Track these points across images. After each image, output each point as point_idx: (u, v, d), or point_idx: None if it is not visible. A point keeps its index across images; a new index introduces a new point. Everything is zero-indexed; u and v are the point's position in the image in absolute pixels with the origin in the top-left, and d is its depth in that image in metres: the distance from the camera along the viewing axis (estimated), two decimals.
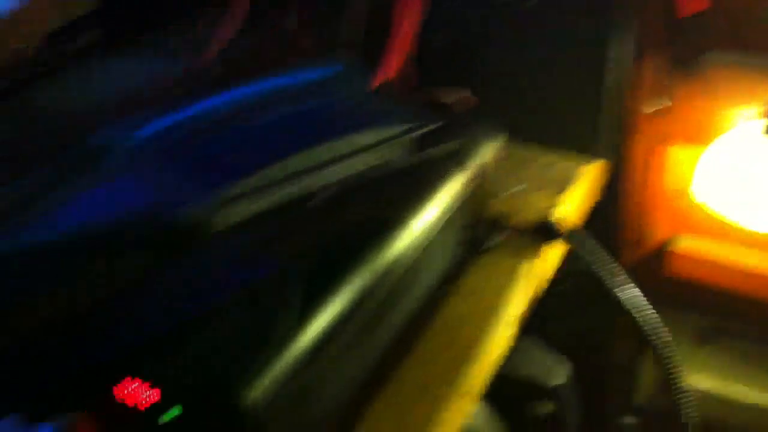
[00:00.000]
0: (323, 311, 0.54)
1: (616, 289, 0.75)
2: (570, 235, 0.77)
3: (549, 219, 0.78)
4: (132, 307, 0.52)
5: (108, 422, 0.51)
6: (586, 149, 0.90)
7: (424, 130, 0.66)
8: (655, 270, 1.01)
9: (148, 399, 0.50)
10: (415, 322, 0.66)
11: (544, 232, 0.77)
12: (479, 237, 0.76)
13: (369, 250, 0.59)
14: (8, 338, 0.49)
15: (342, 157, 0.61)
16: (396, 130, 0.64)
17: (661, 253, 1.01)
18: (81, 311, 0.50)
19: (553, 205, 0.82)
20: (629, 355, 1.05)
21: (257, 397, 0.47)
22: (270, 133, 0.64)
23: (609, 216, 0.98)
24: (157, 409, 0.50)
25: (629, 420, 1.06)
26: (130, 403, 0.51)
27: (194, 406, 0.48)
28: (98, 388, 0.51)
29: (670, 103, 0.98)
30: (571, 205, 0.84)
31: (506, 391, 0.79)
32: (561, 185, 0.85)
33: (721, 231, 0.99)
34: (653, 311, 0.76)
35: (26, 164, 0.62)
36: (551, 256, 0.80)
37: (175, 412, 0.50)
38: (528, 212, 0.81)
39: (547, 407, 0.84)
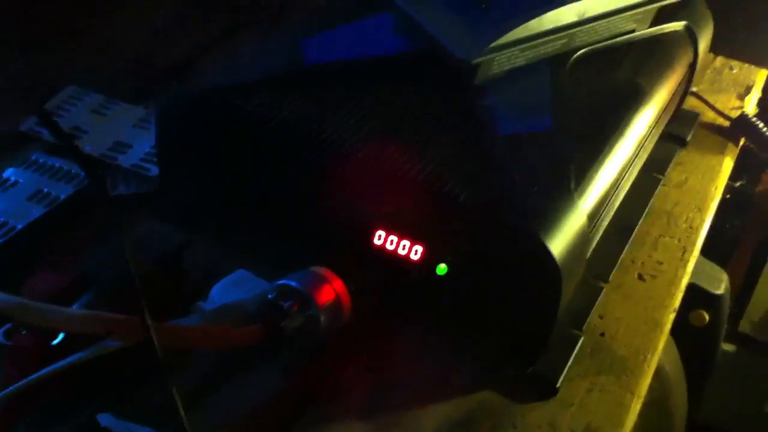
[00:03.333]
0: (595, 172, 0.51)
1: None
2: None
3: (746, 113, 0.75)
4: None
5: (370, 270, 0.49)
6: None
7: (667, 2, 0.62)
8: None
9: (416, 252, 0.48)
10: (634, 204, 0.64)
11: (741, 125, 0.73)
12: (678, 129, 0.72)
13: (627, 115, 0.56)
14: None
15: (601, 17, 0.57)
16: None
17: None
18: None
19: (738, 107, 0.79)
20: None
21: (559, 246, 0.45)
22: None
23: None
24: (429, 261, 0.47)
25: None
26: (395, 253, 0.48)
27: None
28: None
29: None
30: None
31: None
32: (741, 89, 0.82)
33: None
34: None
35: None
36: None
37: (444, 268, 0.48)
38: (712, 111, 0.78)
39: (706, 315, 0.82)
